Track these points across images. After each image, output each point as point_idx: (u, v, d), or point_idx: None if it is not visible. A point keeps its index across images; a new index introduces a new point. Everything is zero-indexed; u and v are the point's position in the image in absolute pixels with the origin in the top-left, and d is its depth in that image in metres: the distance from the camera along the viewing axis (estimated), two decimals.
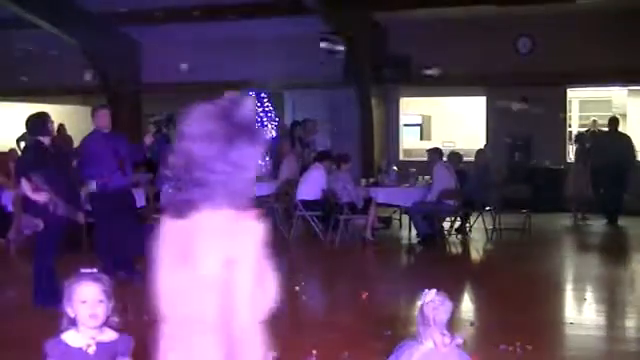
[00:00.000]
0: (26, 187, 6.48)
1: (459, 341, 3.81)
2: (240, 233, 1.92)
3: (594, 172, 12.28)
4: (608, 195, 12.17)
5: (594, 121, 15.22)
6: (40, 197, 6.47)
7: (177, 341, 1.95)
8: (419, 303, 3.69)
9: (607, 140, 12.59)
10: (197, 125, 1.94)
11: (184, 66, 14.67)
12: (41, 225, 6.51)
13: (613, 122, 12.62)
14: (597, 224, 12.10)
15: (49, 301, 6.64)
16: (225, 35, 14.55)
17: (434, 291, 3.71)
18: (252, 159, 1.97)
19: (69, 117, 15.87)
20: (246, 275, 1.91)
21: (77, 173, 8.40)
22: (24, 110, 16.59)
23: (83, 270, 2.83)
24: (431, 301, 3.66)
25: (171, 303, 1.93)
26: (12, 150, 12.40)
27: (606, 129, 13.17)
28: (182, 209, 1.91)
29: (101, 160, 7.53)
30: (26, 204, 6.62)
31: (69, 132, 15.04)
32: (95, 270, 2.86)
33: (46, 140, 6.77)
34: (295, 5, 12.59)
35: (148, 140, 8.02)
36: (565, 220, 12.44)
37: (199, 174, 1.90)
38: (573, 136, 14.81)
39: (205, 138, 1.91)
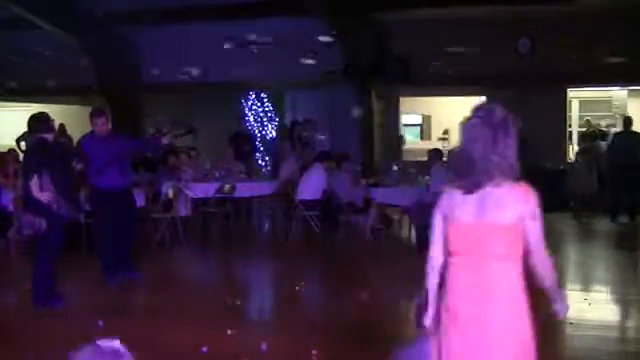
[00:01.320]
0: (35, 186, 6.47)
1: None
2: (523, 196, 2.82)
3: (608, 171, 12.27)
4: (624, 194, 12.14)
5: (587, 121, 15.24)
6: (45, 196, 6.48)
7: (466, 267, 2.84)
8: (415, 303, 3.69)
9: (621, 139, 12.56)
10: (470, 133, 2.86)
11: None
12: (44, 224, 6.51)
13: (626, 122, 12.61)
14: (601, 223, 12.08)
15: (50, 301, 6.65)
16: (225, 35, 14.54)
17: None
18: (511, 148, 2.84)
19: (69, 117, 15.88)
20: (534, 225, 2.80)
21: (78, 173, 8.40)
22: (24, 110, 16.61)
23: (100, 343, 2.16)
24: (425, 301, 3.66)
25: (463, 242, 2.84)
26: (12, 150, 12.38)
27: (605, 129, 13.20)
28: (471, 188, 2.83)
29: (92, 160, 7.54)
30: (30, 203, 6.59)
31: (69, 132, 15.04)
32: (116, 342, 2.18)
33: (49, 137, 6.80)
34: (295, 5, 12.60)
35: (166, 140, 8.06)
36: (566, 220, 12.43)
37: (479, 165, 2.80)
38: (574, 136, 14.83)
39: (478, 141, 2.81)
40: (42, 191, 6.47)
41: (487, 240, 2.81)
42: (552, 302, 2.99)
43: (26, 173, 6.67)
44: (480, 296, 2.82)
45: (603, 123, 15.92)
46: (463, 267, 2.86)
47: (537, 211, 2.82)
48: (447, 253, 2.93)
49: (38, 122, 6.81)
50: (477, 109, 2.90)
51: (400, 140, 15.94)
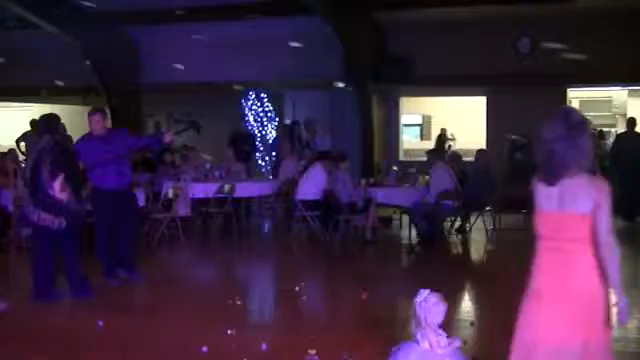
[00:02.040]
0: (58, 186, 6.54)
1: (456, 343, 3.80)
2: (596, 188, 3.17)
3: (613, 171, 12.30)
4: (628, 194, 12.16)
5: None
6: (65, 195, 6.56)
7: (550, 249, 3.30)
8: (414, 303, 3.69)
9: (626, 140, 12.55)
10: (550, 131, 3.24)
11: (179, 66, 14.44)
12: (64, 223, 6.60)
13: (631, 122, 12.61)
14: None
15: (49, 297, 6.72)
16: (225, 35, 14.55)
17: (427, 291, 3.72)
18: (586, 145, 3.23)
19: (69, 117, 15.86)
20: (604, 213, 3.14)
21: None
22: (24, 110, 16.61)
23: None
24: (423, 301, 3.67)
25: (546, 227, 3.30)
26: (12, 150, 12.37)
27: (606, 129, 13.18)
28: (551, 179, 3.25)
29: (91, 161, 7.54)
30: (49, 203, 6.62)
31: (69, 132, 15.02)
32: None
33: (58, 138, 6.90)
34: (295, 5, 12.59)
35: (168, 138, 8.05)
36: None
37: (559, 160, 3.21)
38: None
39: (558, 138, 3.21)
40: (62, 191, 6.57)
41: (567, 226, 3.23)
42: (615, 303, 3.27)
43: (40, 173, 6.67)
44: (561, 275, 3.24)
45: (599, 123, 15.92)
46: (548, 249, 3.32)
47: (607, 202, 3.16)
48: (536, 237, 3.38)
49: (49, 123, 6.90)
50: (558, 111, 3.31)
51: (444, 138, 15.92)
